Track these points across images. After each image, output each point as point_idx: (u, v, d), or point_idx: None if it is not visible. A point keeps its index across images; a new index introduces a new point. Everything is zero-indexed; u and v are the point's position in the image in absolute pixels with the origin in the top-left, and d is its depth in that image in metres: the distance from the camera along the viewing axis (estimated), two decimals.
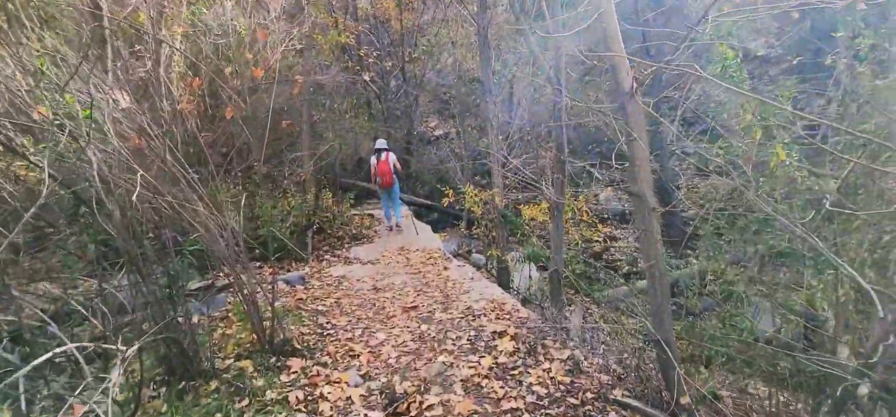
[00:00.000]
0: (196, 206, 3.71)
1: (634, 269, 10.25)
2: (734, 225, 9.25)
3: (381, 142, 8.74)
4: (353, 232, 8.05)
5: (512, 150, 7.27)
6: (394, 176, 8.45)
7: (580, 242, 9.48)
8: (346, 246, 7.70)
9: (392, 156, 8.50)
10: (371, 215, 9.45)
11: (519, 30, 5.55)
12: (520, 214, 7.12)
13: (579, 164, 6.01)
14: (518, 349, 3.94)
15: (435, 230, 12.67)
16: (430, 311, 4.92)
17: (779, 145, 2.51)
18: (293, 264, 6.66)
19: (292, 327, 4.31)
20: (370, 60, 11.66)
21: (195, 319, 4.13)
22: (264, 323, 3.91)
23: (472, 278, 5.98)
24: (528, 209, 6.06)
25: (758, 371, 5.87)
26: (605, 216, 12.13)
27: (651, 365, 3.45)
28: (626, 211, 12.27)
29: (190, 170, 4.03)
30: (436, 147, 17.05)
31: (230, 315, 4.57)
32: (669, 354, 3.29)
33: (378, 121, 12.92)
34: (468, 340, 4.17)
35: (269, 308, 3.86)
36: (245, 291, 3.82)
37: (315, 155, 7.96)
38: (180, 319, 3.44)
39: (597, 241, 9.97)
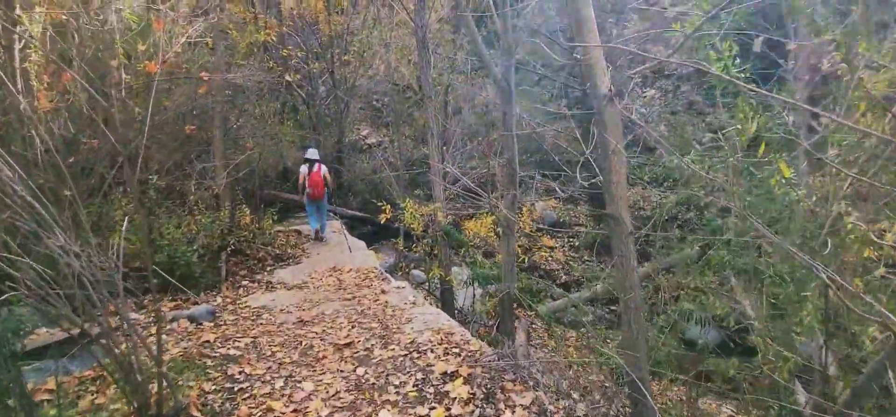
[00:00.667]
0: (51, 232, 2.76)
1: (573, 279, 10.09)
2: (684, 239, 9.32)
3: (312, 152, 7.84)
4: (277, 252, 7.05)
5: (454, 160, 6.74)
6: (325, 187, 7.61)
7: (522, 256, 9.16)
8: (269, 268, 6.70)
9: (324, 168, 7.66)
10: (297, 231, 8.45)
11: (459, 29, 5.05)
12: (461, 228, 6.57)
13: (527, 176, 5.59)
14: (473, 395, 3.31)
15: (369, 244, 11.82)
16: (367, 348, 4.17)
17: (782, 161, 2.12)
18: (203, 294, 5.59)
19: (192, 384, 3.38)
20: (294, 62, 10.62)
21: (47, 385, 3.10)
22: (149, 385, 2.97)
23: (414, 302, 5.29)
24: (472, 223, 5.52)
25: (706, 385, 5.74)
26: (541, 226, 11.98)
27: (626, 408, 3.01)
28: (560, 220, 12.17)
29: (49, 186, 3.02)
30: (368, 156, 16.19)
31: (105, 374, 3.54)
32: (647, 397, 2.84)
33: (306, 128, 11.89)
34: (414, 385, 3.48)
35: (161, 363, 2.94)
36: (121, 346, 2.87)
37: (230, 165, 6.89)
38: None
39: (537, 253, 9.68)
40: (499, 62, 3.76)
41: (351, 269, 6.84)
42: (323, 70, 14.46)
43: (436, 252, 5.57)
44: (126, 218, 5.62)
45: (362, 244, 8.34)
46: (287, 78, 8.59)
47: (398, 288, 5.76)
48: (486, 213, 5.61)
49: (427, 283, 5.94)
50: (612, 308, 9.27)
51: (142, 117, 5.49)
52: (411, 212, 5.02)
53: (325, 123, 13.98)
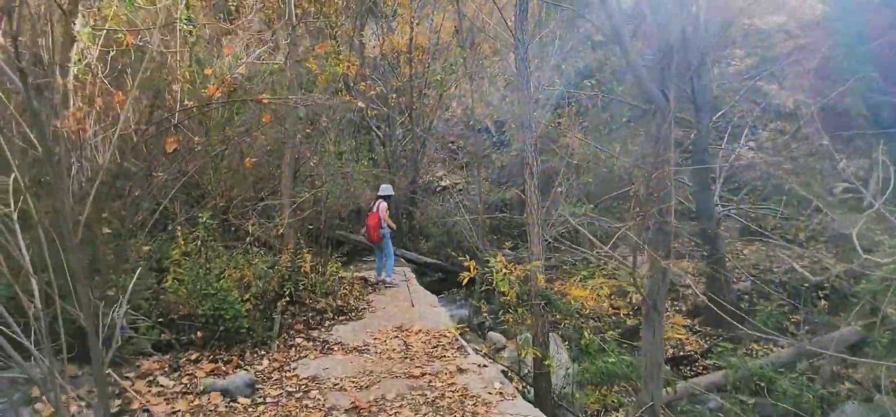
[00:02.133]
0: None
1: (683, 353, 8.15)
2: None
3: (385, 188, 7.00)
4: (339, 303, 6.08)
5: (555, 207, 5.53)
6: (380, 229, 6.75)
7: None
8: (328, 323, 5.71)
9: (382, 205, 6.88)
10: (364, 278, 7.49)
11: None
12: (556, 290, 5.21)
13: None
14: None
15: (438, 292, 10.68)
16: None
17: None
18: (249, 353, 4.67)
19: None
20: (373, 94, 10.03)
21: None
22: None
23: (501, 392, 3.97)
24: (577, 290, 4.17)
25: None
26: None
27: None
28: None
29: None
30: (442, 198, 15.32)
31: None
32: None
33: (380, 167, 11.21)
34: None
35: None
36: None
37: (297, 202, 6.13)
38: None
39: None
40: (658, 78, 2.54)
41: (420, 331, 5.67)
42: (401, 108, 14.00)
43: (530, 323, 4.28)
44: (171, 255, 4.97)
45: (433, 297, 7.17)
46: (361, 106, 7.86)
47: (479, 366, 4.47)
48: (594, 271, 4.26)
49: (518, 363, 4.61)
50: None
51: (202, 147, 4.85)
52: (502, 273, 3.82)
53: (400, 164, 13.34)
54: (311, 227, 6.92)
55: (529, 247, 4.05)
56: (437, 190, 16.57)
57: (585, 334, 4.00)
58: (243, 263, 4.91)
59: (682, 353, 7.83)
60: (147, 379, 3.90)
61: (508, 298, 3.88)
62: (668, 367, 6.52)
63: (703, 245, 8.59)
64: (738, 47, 13.95)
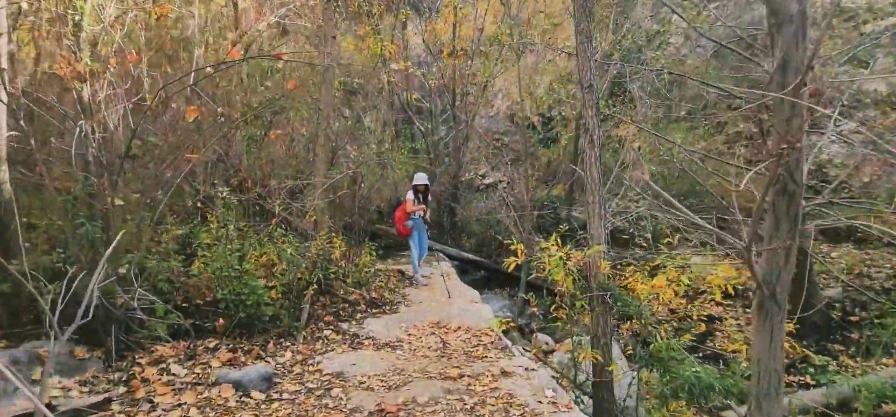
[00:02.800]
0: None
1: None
2: None
3: (420, 176, 6.44)
4: (372, 295, 5.58)
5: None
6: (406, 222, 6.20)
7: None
8: (360, 315, 5.21)
9: (409, 196, 6.30)
10: (401, 271, 6.98)
11: None
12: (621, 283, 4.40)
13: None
14: None
15: (481, 290, 10.03)
16: None
17: None
18: (273, 344, 4.24)
19: None
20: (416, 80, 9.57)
21: None
22: None
23: (554, 401, 3.29)
24: (645, 283, 3.37)
25: None
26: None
27: None
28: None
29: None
30: (485, 196, 14.68)
31: None
32: None
33: (420, 159, 10.73)
34: None
35: None
36: None
37: (330, 184, 5.71)
38: None
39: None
40: None
41: (460, 328, 5.06)
42: (444, 105, 13.52)
43: (586, 320, 3.56)
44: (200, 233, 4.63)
45: (473, 293, 6.53)
46: (393, 81, 7.35)
47: (527, 369, 3.80)
48: (668, 264, 3.48)
49: (572, 368, 3.88)
50: None
51: (226, 119, 4.49)
52: (558, 259, 3.14)
53: (442, 159, 12.83)
54: (346, 218, 6.48)
55: (588, 231, 3.36)
56: (481, 188, 15.95)
57: (659, 336, 3.24)
58: (270, 247, 4.49)
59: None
60: (159, 367, 3.53)
61: (563, 290, 3.21)
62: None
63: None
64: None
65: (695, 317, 3.98)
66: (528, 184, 8.96)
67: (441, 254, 9.55)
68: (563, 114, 12.78)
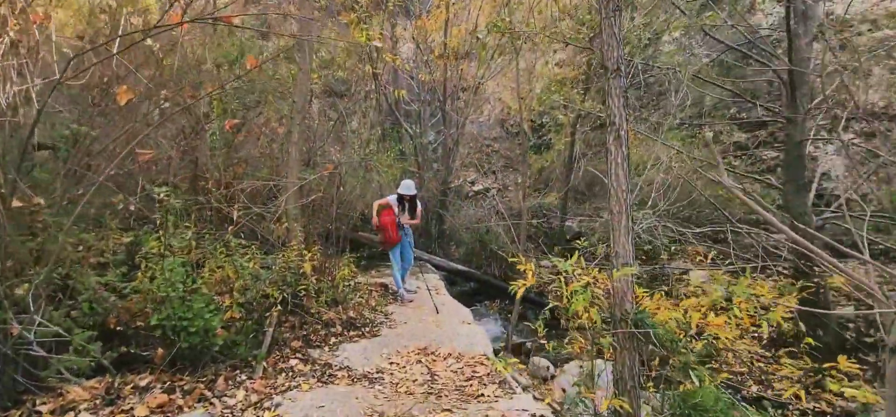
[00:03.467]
0: None
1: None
2: None
3: (407, 185, 5.70)
4: (350, 315, 4.80)
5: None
6: (398, 229, 5.45)
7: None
8: (335, 339, 4.43)
9: (392, 199, 5.57)
10: (383, 285, 6.22)
11: None
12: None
13: None
14: None
15: (471, 303, 9.31)
16: None
17: None
18: (227, 376, 3.44)
19: None
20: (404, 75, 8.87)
21: None
22: None
23: None
24: (665, 308, 2.64)
25: None
26: None
27: None
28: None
29: None
30: (474, 203, 14.02)
31: None
32: None
33: (408, 163, 10.01)
34: None
35: None
36: None
37: (305, 186, 4.95)
38: None
39: None
40: None
41: (450, 355, 4.32)
42: (433, 109, 12.85)
43: (607, 357, 2.86)
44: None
45: (465, 312, 5.79)
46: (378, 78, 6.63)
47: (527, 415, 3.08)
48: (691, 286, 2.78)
49: (577, 401, 3.16)
50: None
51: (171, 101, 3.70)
52: (582, 286, 2.43)
53: (431, 165, 12.12)
54: (323, 224, 5.70)
55: (612, 247, 2.68)
56: (470, 195, 15.28)
57: (705, 379, 2.54)
58: (225, 260, 3.70)
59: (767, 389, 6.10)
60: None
61: (584, 322, 2.51)
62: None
63: (797, 259, 6.87)
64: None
65: (746, 354, 3.29)
66: (524, 191, 8.24)
67: (429, 265, 8.81)
68: (558, 119, 12.17)
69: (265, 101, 5.82)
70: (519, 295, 2.42)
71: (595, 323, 2.49)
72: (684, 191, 10.26)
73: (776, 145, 11.49)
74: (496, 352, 6.30)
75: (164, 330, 3.15)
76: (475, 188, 15.95)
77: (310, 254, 4.32)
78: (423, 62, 11.26)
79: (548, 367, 5.73)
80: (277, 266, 4.38)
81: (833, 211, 6.83)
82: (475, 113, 15.68)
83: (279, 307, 4.10)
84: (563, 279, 2.60)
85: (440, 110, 11.87)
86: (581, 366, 4.33)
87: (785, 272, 7.47)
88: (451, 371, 4.04)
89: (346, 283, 5.27)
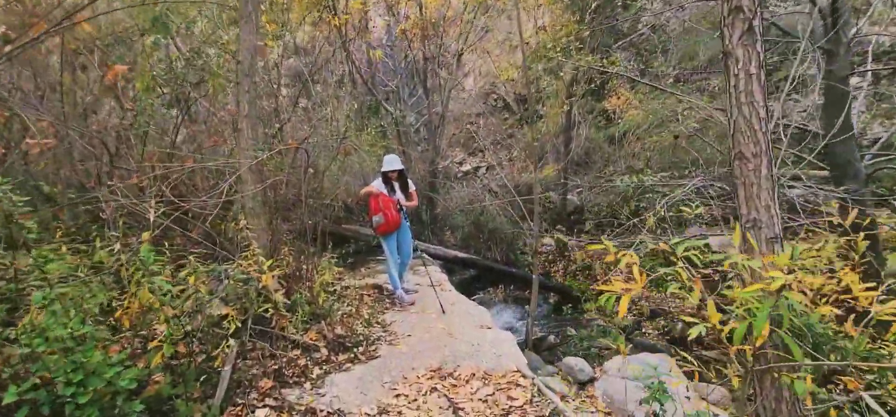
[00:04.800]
0: None
1: None
2: None
3: (391, 159, 4.49)
4: (337, 332, 3.61)
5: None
6: (400, 213, 4.26)
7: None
8: (319, 370, 3.25)
9: (377, 184, 4.34)
10: (377, 286, 5.02)
11: None
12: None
13: None
14: None
15: (472, 292, 8.22)
16: None
17: None
18: None
19: None
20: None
21: None
22: None
23: None
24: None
25: None
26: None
27: None
28: None
29: None
30: (464, 184, 12.85)
31: None
32: None
33: (390, 142, 8.77)
34: None
35: None
36: None
37: (266, 173, 3.69)
38: None
39: None
40: None
41: (473, 375, 3.19)
42: (412, 88, 11.60)
43: (735, 387, 1.81)
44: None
45: (481, 312, 4.62)
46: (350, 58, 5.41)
47: None
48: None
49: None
50: None
51: None
52: (757, 287, 1.41)
53: (414, 145, 10.88)
54: (296, 218, 4.44)
55: (743, 212, 1.60)
56: (459, 175, 14.12)
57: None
58: (143, 281, 2.45)
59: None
60: None
61: (704, 327, 1.44)
62: None
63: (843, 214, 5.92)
64: None
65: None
66: (534, 161, 7.13)
67: (425, 255, 7.65)
68: (546, 87, 11.00)
69: (210, 73, 4.51)
70: (623, 310, 1.34)
71: (710, 327, 1.37)
72: (694, 150, 9.28)
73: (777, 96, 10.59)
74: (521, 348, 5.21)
75: (34, 409, 1.90)
76: (464, 168, 14.79)
77: (270, 261, 3.09)
78: (399, 31, 9.94)
79: (582, 369, 4.65)
80: (232, 279, 3.15)
81: (884, 156, 5.86)
82: (456, 88, 14.48)
83: (233, 339, 2.88)
84: (683, 278, 1.47)
85: (421, 86, 10.61)
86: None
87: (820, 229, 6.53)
88: (480, 399, 2.91)
89: (330, 291, 4.06)
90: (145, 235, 2.34)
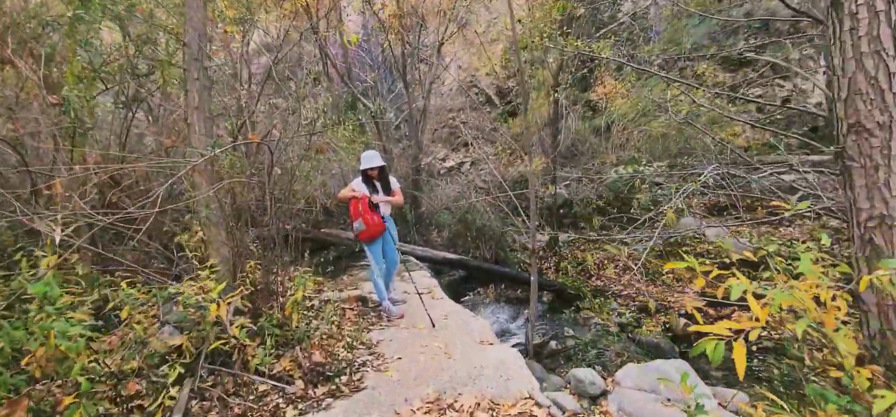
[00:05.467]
0: None
1: None
2: None
3: (370, 156, 3.90)
4: (315, 358, 3.03)
5: None
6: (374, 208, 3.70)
7: None
8: (292, 411, 2.67)
9: (355, 182, 3.86)
10: (362, 299, 4.43)
11: None
12: None
13: None
14: None
15: (461, 293, 7.72)
16: None
17: None
18: None
19: None
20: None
21: None
22: None
23: None
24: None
25: None
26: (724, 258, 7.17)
27: None
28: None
29: None
30: (447, 181, 12.31)
31: None
32: None
33: (369, 138, 8.17)
34: None
35: None
36: None
37: (222, 173, 3.07)
38: None
39: None
40: None
41: (478, 405, 2.66)
42: (391, 83, 10.99)
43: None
44: None
45: (482, 325, 4.07)
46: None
47: None
48: None
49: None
50: None
51: None
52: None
53: (395, 141, 10.28)
54: (267, 224, 3.80)
55: (867, 209, 1.17)
56: (442, 172, 13.57)
57: None
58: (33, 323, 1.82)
59: None
60: None
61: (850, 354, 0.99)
62: None
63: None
64: None
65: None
66: (530, 151, 6.64)
67: (411, 258, 7.08)
68: (533, 78, 10.53)
69: (160, 62, 3.84)
70: (740, 364, 0.89)
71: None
72: (682, 139, 8.97)
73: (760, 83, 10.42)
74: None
75: None
76: (447, 164, 14.25)
77: (221, 286, 2.48)
78: (376, 16, 9.31)
79: (593, 382, 4.18)
80: (183, 304, 2.53)
81: None
82: (437, 83, 13.95)
83: (186, 377, 2.27)
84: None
85: (401, 79, 10.00)
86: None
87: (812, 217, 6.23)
88: None
89: (307, 306, 3.47)
90: (48, 260, 1.72)
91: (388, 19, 9.30)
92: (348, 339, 3.35)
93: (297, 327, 3.01)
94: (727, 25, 10.84)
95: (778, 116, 9.61)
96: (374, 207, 3.77)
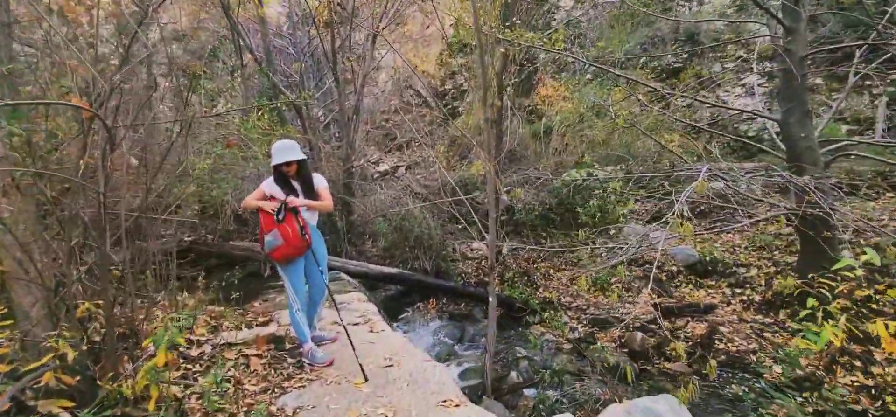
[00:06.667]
0: None
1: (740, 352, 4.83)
2: None
3: (286, 147, 2.79)
4: None
5: None
6: (306, 229, 2.62)
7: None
8: None
9: (264, 184, 2.79)
10: (275, 339, 3.27)
11: None
12: None
13: None
14: None
15: (400, 310, 6.75)
16: None
17: None
18: None
19: None
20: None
21: None
22: None
23: None
24: None
25: None
26: (673, 268, 6.92)
27: None
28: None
29: None
30: (381, 186, 11.21)
31: None
32: None
33: (290, 127, 6.92)
34: None
35: None
36: None
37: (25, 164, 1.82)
38: None
39: None
40: None
41: None
42: (318, 78, 9.74)
43: None
44: None
45: (440, 370, 3.10)
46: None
47: None
48: None
49: None
50: None
51: None
52: None
53: (323, 139, 9.03)
54: (130, 237, 2.53)
55: None
56: (375, 176, 12.45)
57: None
58: None
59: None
60: None
61: None
62: None
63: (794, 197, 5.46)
64: None
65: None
66: (490, 147, 5.83)
67: (341, 274, 5.95)
68: (468, 80, 9.84)
69: None
70: None
71: None
72: (624, 144, 8.77)
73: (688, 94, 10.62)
74: (478, 397, 3.82)
75: None
76: (380, 168, 13.14)
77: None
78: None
79: (557, 412, 3.41)
80: None
81: (848, 142, 5.49)
82: (370, 83, 12.87)
83: None
84: None
85: (331, 74, 8.80)
86: None
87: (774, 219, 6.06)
88: None
89: (187, 364, 2.28)
90: None
91: (316, 7, 8.09)
92: (250, 396, 2.23)
93: (158, 410, 1.85)
94: (656, 37, 11.06)
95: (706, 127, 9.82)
96: (294, 213, 2.69)
